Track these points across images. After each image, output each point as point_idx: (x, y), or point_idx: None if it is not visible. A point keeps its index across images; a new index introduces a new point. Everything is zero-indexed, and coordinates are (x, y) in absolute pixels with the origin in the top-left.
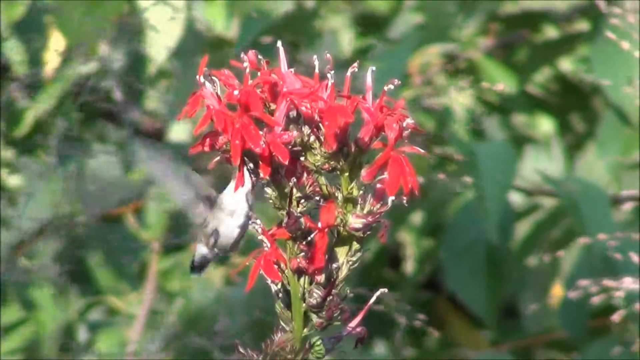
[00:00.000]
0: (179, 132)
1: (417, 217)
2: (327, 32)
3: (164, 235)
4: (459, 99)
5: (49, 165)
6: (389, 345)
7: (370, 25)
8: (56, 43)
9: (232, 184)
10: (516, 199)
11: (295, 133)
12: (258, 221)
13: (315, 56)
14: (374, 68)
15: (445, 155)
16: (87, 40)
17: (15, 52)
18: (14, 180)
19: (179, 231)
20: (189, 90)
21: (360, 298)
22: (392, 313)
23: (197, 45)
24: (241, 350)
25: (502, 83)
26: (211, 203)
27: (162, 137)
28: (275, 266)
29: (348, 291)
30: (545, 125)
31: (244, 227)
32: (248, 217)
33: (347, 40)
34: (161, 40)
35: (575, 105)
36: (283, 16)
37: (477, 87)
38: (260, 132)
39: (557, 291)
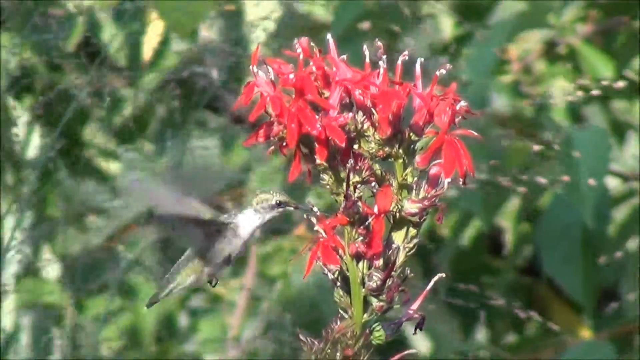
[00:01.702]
0: None
1: (514, 203)
2: (428, 18)
3: None
4: (559, 86)
5: (149, 154)
6: (488, 332)
7: (470, 12)
8: (155, 29)
9: (247, 212)
10: (614, 184)
11: (350, 115)
12: (315, 209)
13: (365, 45)
14: (422, 59)
15: (543, 142)
16: (187, 25)
17: (113, 39)
18: (113, 168)
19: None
20: None
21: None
22: (492, 299)
23: (295, 28)
24: (302, 338)
25: (601, 69)
26: (217, 228)
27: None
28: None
29: (408, 272)
30: None
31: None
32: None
33: (447, 26)
34: (261, 24)
35: None
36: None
37: (577, 74)
38: (316, 117)
39: None
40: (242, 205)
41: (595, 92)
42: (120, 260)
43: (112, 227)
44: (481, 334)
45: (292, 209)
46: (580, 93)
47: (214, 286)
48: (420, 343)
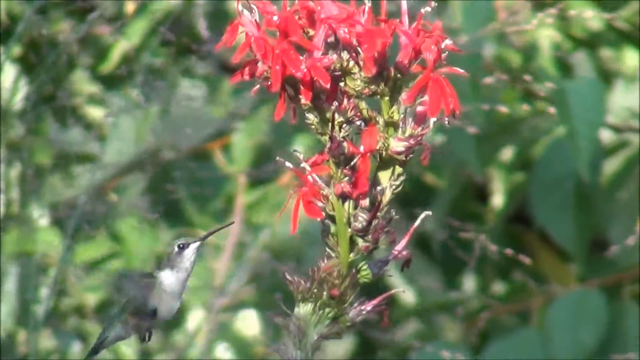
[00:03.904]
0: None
1: (506, 153)
2: None
3: (249, 168)
4: (545, 34)
5: (135, 101)
6: (477, 281)
7: None
8: None
9: (167, 271)
10: (605, 134)
11: (334, 57)
12: (300, 155)
13: None
14: None
15: (532, 92)
16: None
17: None
18: (99, 115)
19: (264, 164)
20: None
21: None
22: (480, 247)
23: None
24: (288, 277)
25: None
26: (147, 285)
27: None
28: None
29: (394, 213)
30: (632, 59)
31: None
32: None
33: None
34: None
35: None
36: None
37: (564, 22)
38: (300, 58)
39: None
40: None
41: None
42: (110, 206)
43: (102, 174)
44: (469, 284)
45: (198, 243)
46: (566, 42)
47: (147, 341)
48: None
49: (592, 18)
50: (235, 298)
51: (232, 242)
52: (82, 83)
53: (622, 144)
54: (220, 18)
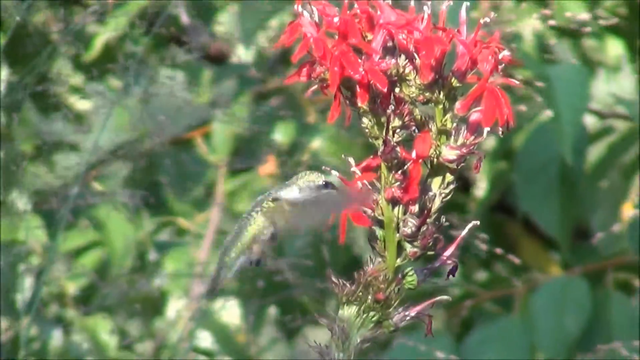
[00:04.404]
0: (244, 55)
1: (489, 142)
2: None
3: (230, 157)
4: (529, 23)
5: (118, 90)
6: (460, 269)
7: None
8: None
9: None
10: (589, 121)
11: (392, 61)
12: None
13: None
14: (468, 3)
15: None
16: None
17: None
18: (83, 105)
19: (244, 153)
20: (255, 14)
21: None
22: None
23: None
24: (334, 279)
25: (572, 7)
26: None
27: (227, 60)
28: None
29: (444, 220)
30: (615, 49)
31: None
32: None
33: None
34: None
35: None
36: None
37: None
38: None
39: (627, 212)
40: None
41: (562, 25)
42: (93, 195)
43: (84, 163)
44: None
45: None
46: (549, 32)
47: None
48: None
49: (576, 9)
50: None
51: (212, 230)
52: (66, 72)
53: (606, 131)
54: (202, 7)
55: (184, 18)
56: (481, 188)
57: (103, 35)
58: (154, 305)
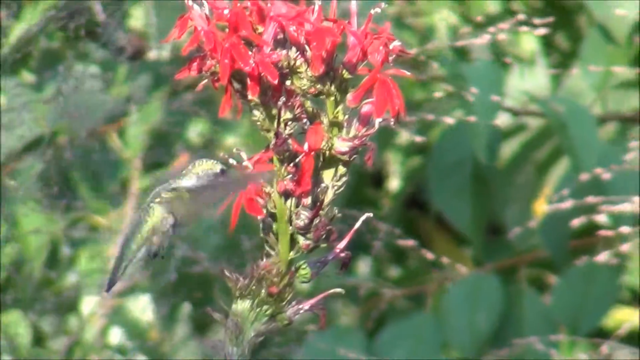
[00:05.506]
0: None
1: (403, 137)
2: None
3: (144, 153)
4: (443, 17)
5: (31, 84)
6: (372, 265)
7: None
8: None
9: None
10: (502, 118)
11: (283, 53)
12: (242, 153)
13: None
14: None
15: (430, 75)
16: None
17: None
18: None
19: (159, 149)
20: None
21: (346, 218)
22: (375, 232)
23: None
24: (227, 274)
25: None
26: None
27: (143, 56)
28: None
29: (336, 212)
30: (529, 43)
31: None
32: None
33: None
34: None
35: (559, 23)
36: None
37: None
38: (249, 53)
39: (539, 208)
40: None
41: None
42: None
43: None
44: (364, 268)
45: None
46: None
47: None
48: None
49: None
50: (130, 282)
51: (126, 226)
52: None
53: (519, 128)
54: (117, 2)
55: (99, 12)
56: (394, 182)
57: (16, 29)
58: (68, 302)
